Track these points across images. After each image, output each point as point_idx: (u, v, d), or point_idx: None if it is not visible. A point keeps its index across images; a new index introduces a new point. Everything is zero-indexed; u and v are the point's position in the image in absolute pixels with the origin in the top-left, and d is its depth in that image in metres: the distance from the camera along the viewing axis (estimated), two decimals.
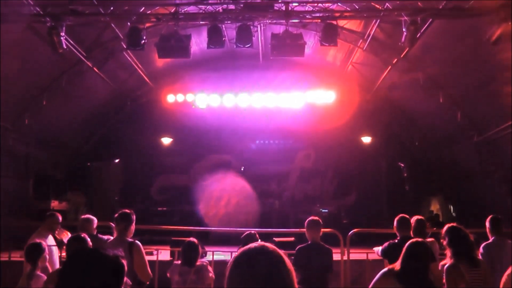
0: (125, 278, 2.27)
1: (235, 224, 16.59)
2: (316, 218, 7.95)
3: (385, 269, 5.14)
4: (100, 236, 7.88)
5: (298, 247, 7.65)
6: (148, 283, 6.82)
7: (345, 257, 10.62)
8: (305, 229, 7.88)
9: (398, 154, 21.66)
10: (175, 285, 6.99)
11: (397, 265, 4.97)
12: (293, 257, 7.24)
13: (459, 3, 11.52)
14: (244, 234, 8.03)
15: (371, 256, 10.22)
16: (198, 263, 7.06)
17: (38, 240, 6.97)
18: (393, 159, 21.77)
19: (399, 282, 4.86)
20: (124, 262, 2.28)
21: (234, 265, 2.16)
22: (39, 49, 13.32)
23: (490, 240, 7.39)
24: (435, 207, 21.34)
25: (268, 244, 2.22)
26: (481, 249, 7.23)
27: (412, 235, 7.12)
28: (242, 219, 18.49)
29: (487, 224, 7.56)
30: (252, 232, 8.04)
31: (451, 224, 6.00)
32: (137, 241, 6.72)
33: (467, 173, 18.53)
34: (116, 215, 6.99)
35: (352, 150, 20.69)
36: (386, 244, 7.48)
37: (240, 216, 18.70)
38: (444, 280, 5.56)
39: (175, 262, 7.53)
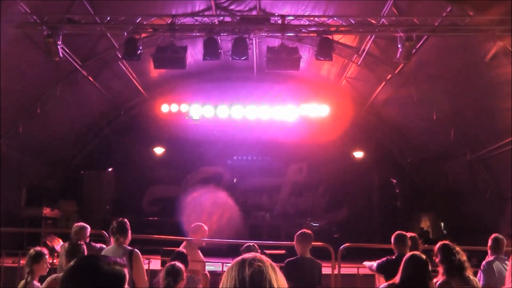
0: (127, 286, 2.30)
1: (226, 236, 16.58)
2: (307, 231, 7.91)
3: (385, 284, 5.16)
4: (93, 244, 7.91)
5: (286, 260, 7.62)
6: None
7: (336, 271, 10.61)
8: (294, 242, 7.85)
9: (390, 170, 21.69)
10: None
11: (397, 279, 5.00)
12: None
13: (455, 19, 11.59)
14: (243, 246, 7.97)
15: (362, 271, 10.22)
16: (186, 274, 7.05)
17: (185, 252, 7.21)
18: (385, 175, 21.81)
19: None
20: (126, 270, 2.30)
21: (227, 271, 2.36)
22: (34, 57, 13.32)
23: (491, 258, 7.43)
24: (425, 224, 21.36)
25: (260, 255, 2.40)
26: (483, 265, 7.29)
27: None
28: (232, 232, 18.48)
29: (490, 242, 7.60)
30: (251, 244, 7.98)
31: (444, 241, 6.03)
32: (136, 249, 6.75)
33: (459, 190, 18.55)
34: (112, 224, 7.01)
35: (344, 165, 20.70)
36: (383, 259, 7.46)
37: (230, 229, 18.68)
38: None
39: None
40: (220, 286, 2.34)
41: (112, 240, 7.00)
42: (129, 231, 6.96)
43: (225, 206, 19.84)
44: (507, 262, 7.35)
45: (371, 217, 21.24)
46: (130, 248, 6.79)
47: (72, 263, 2.30)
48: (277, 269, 2.37)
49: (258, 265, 2.29)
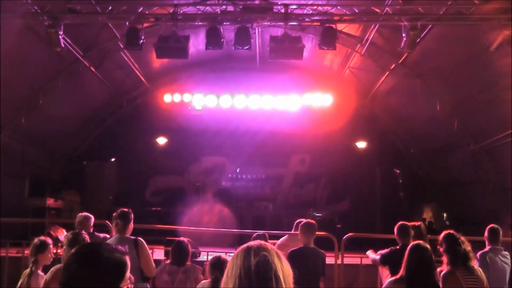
0: (129, 274, 2.28)
1: (229, 227, 16.64)
2: (311, 221, 7.83)
3: (392, 278, 5.14)
4: (97, 233, 7.90)
5: (290, 250, 7.52)
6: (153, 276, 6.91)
7: (339, 261, 10.59)
8: (298, 232, 7.78)
9: (393, 160, 21.61)
10: (163, 285, 6.98)
11: (402, 271, 4.97)
12: None
13: (461, 8, 11.49)
14: (254, 235, 7.95)
15: (365, 261, 10.19)
16: (188, 263, 7.05)
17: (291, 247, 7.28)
18: (388, 165, 21.73)
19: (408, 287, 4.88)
20: (127, 257, 2.29)
21: (232, 259, 2.35)
22: (36, 48, 13.30)
23: (486, 249, 7.39)
24: (428, 214, 21.33)
25: (265, 244, 2.38)
26: (477, 256, 7.24)
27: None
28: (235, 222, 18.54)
29: (486, 233, 7.57)
30: (261, 233, 7.95)
31: (448, 231, 5.99)
32: (140, 238, 6.73)
33: (461, 181, 18.52)
34: (114, 213, 6.98)
35: (347, 155, 20.62)
36: (387, 250, 7.38)
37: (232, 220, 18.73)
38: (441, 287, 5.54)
39: (166, 262, 7.52)
40: (225, 274, 2.33)
41: (113, 230, 6.98)
42: (132, 221, 6.92)
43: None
44: (503, 252, 7.34)
45: (373, 208, 21.16)
46: (133, 237, 6.77)
47: (73, 250, 2.29)
48: (283, 258, 2.35)
49: (263, 255, 2.27)
